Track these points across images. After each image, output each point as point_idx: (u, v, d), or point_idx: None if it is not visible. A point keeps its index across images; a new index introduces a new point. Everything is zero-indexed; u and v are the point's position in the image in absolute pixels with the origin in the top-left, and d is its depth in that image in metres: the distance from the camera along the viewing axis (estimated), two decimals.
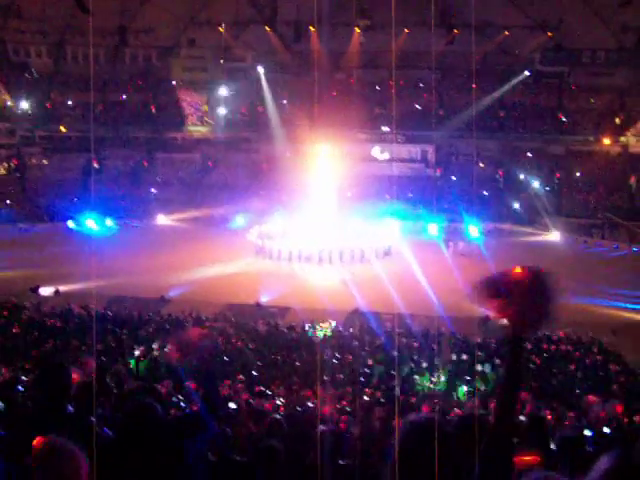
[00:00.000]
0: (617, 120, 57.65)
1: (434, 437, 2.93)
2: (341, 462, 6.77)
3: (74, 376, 5.47)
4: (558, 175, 55.73)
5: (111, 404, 6.82)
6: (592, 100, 59.64)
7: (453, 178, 54.70)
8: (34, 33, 57.95)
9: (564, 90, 61.15)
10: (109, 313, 26.80)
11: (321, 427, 8.01)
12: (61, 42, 62.87)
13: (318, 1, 45.81)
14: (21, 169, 59.21)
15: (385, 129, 58.93)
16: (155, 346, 21.32)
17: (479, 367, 20.91)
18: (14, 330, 23.17)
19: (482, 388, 19.92)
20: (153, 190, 55.49)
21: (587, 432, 5.71)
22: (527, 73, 60.18)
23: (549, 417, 13.60)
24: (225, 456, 5.80)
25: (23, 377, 10.96)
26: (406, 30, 55.91)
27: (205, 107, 65.26)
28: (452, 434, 3.10)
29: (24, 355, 19.93)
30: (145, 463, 4.17)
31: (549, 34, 57.58)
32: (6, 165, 59.38)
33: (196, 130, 64.06)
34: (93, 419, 4.86)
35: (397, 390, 18.02)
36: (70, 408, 5.23)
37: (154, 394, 5.87)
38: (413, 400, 16.56)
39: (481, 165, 56.69)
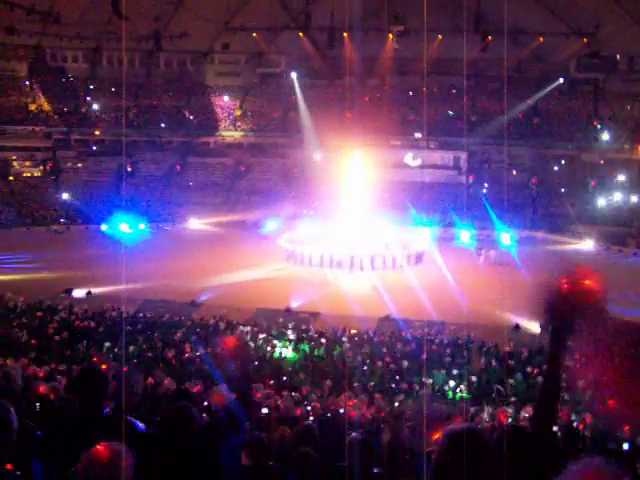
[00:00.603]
0: None
1: (475, 447, 2.90)
2: (374, 470, 6.73)
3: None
4: (593, 183, 55.11)
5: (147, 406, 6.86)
6: (628, 107, 58.97)
7: (485, 185, 54.33)
8: (71, 38, 58.74)
9: (599, 97, 60.56)
10: (140, 316, 26.98)
11: (353, 434, 7.98)
12: (97, 47, 63.69)
13: (352, 7, 45.80)
14: (56, 172, 59.98)
15: (418, 135, 58.75)
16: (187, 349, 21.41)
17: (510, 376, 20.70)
18: (48, 331, 23.43)
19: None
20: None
21: (625, 445, 5.60)
22: (562, 80, 59.71)
23: (581, 428, 13.44)
24: (259, 461, 5.80)
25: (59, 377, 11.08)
26: (440, 36, 55.84)
27: (238, 112, 65.64)
28: (492, 445, 3.07)
29: (57, 356, 20.15)
30: (181, 464, 4.19)
31: (585, 40, 57.06)
32: (42, 168, 60.20)
33: (229, 135, 64.44)
34: (129, 419, 4.89)
35: (426, 397, 17.92)
36: (107, 409, 5.27)
37: (190, 397, 5.89)
38: (443, 407, 16.43)
39: (514, 172, 56.27)
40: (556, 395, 3.16)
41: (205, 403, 10.51)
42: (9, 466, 4.04)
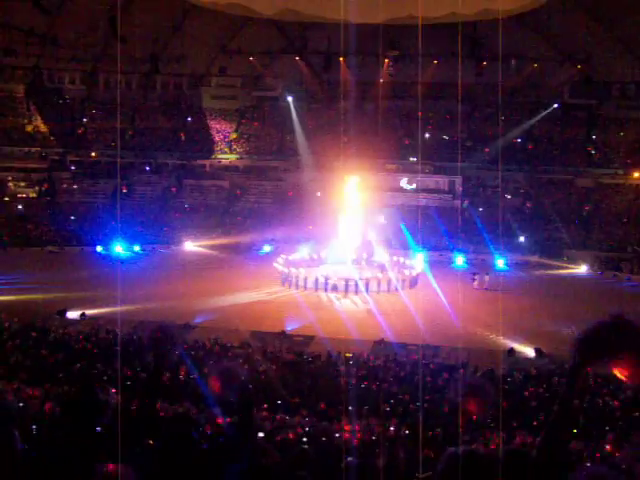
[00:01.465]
0: None
1: (477, 468, 2.90)
2: None
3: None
4: (586, 208, 55.35)
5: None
6: (622, 133, 59.41)
7: (480, 210, 54.50)
8: (69, 60, 58.99)
9: (593, 123, 60.98)
10: (134, 338, 26.84)
11: (349, 458, 7.95)
12: (94, 69, 63.96)
13: (348, 32, 46.17)
14: (51, 193, 59.98)
15: (413, 160, 59.00)
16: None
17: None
18: (41, 352, 23.32)
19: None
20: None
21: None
22: (556, 105, 60.14)
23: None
24: None
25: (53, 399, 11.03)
26: (435, 62, 56.28)
27: (234, 135, 65.83)
28: (493, 468, 3.07)
29: (51, 377, 20.03)
30: None
31: (578, 67, 57.53)
32: (37, 188, 60.19)
33: (224, 157, 64.59)
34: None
35: (420, 421, 17.85)
36: (99, 429, 5.24)
37: (190, 421, 5.87)
38: (438, 432, 16.35)
39: (508, 197, 56.49)
40: (568, 424, 3.16)
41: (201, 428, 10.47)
42: None
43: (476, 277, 40.94)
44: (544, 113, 60.03)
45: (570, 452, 11.05)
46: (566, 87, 60.77)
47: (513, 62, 56.69)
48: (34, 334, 25.91)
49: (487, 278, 40.46)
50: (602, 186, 57.15)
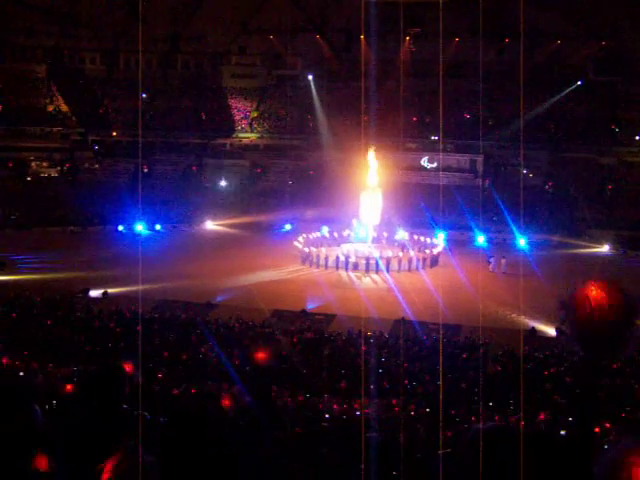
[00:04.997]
0: None
1: (499, 445, 2.88)
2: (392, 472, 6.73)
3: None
4: (609, 186, 54.78)
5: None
6: None
7: (501, 188, 54.11)
8: (89, 40, 59.11)
9: (617, 100, 60.17)
10: (156, 316, 27.06)
11: (370, 435, 7.98)
12: (115, 49, 64.03)
13: (368, 9, 45.81)
14: (73, 173, 60.32)
15: (434, 138, 58.67)
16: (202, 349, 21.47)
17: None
18: (65, 331, 23.57)
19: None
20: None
21: None
22: (579, 83, 59.39)
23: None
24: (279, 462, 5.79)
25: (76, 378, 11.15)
26: (457, 39, 55.77)
27: (254, 113, 65.76)
28: (515, 443, 3.05)
29: (74, 355, 20.26)
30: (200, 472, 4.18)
31: (603, 43, 56.74)
32: (59, 168, 60.55)
33: (245, 136, 64.57)
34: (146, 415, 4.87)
35: (441, 400, 17.85)
36: (124, 407, 5.28)
37: (207, 398, 5.91)
38: (456, 410, 16.39)
39: (530, 176, 55.99)
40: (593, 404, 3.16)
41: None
42: (43, 464, 4.05)
43: (491, 260, 40.28)
44: (567, 90, 59.31)
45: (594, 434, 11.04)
46: (590, 64, 59.96)
47: (536, 39, 55.98)
48: (59, 312, 26.18)
49: (503, 261, 39.58)
50: (625, 164, 56.48)
